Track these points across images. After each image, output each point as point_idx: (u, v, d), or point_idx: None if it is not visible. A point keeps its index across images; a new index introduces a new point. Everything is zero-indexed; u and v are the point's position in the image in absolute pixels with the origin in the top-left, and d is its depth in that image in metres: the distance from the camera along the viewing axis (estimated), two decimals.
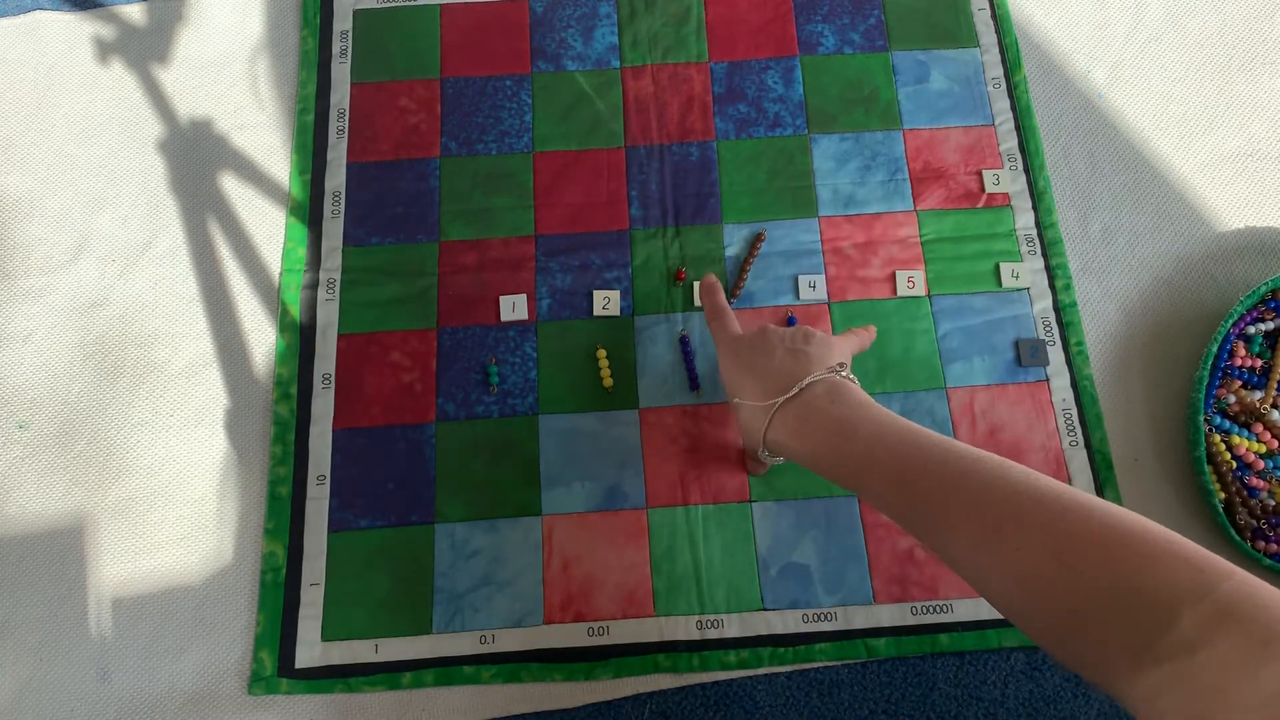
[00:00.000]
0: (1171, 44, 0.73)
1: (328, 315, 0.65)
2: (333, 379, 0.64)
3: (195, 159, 0.70)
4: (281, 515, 0.61)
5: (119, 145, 0.71)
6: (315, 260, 0.67)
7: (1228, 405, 0.62)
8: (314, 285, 0.66)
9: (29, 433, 0.63)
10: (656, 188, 0.69)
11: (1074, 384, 0.64)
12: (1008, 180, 0.69)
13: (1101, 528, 0.36)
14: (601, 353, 0.64)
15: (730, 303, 0.65)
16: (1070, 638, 0.37)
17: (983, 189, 0.68)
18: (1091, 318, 0.66)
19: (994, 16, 0.74)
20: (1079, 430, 0.63)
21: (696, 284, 0.66)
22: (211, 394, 0.64)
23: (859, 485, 0.46)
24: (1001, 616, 0.58)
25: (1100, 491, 0.61)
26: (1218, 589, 0.32)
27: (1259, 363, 0.62)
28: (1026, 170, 0.69)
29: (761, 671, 0.58)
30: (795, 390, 0.49)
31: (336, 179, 0.69)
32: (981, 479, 0.41)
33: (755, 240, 0.67)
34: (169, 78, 0.72)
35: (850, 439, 0.46)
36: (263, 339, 0.66)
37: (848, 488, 0.47)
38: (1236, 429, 0.61)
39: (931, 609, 0.59)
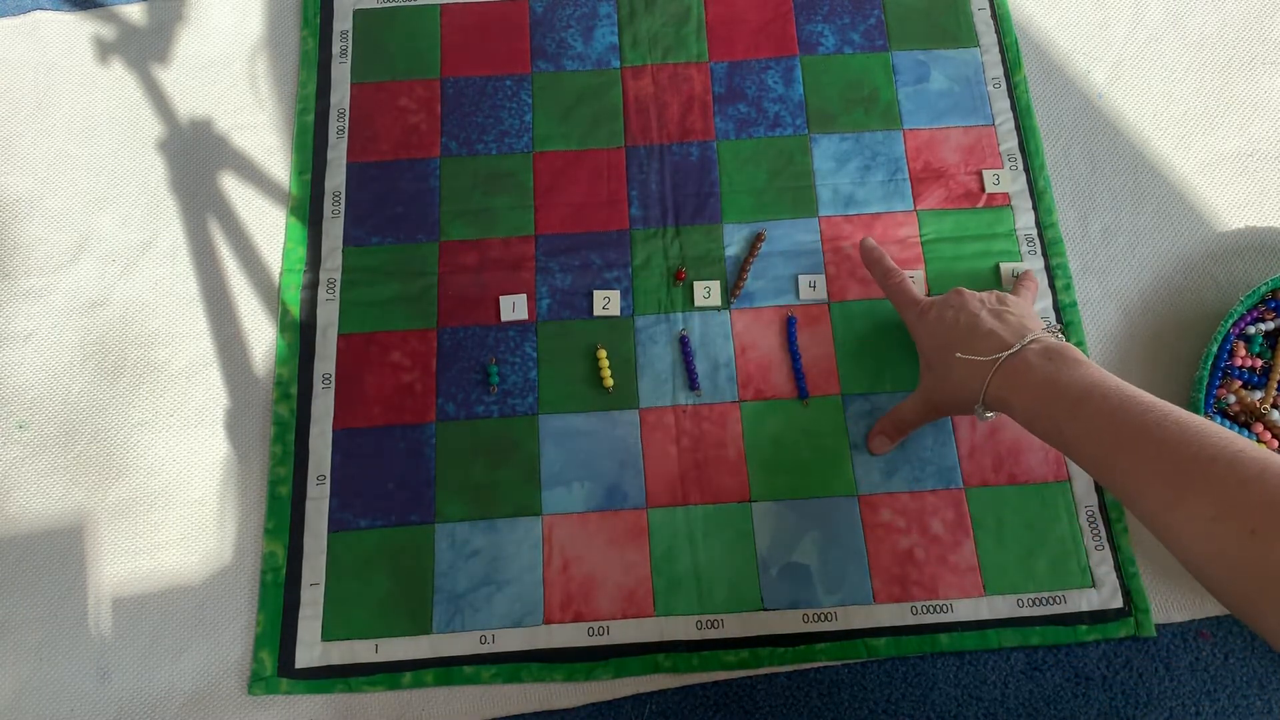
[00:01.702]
0: (1171, 44, 0.73)
1: (328, 315, 0.66)
2: (333, 379, 0.64)
3: (195, 159, 0.70)
4: (281, 515, 0.61)
5: (119, 145, 0.71)
6: (315, 260, 0.67)
7: (1228, 405, 0.62)
8: (314, 285, 0.66)
9: (29, 433, 0.63)
10: (656, 188, 0.69)
11: None
12: (1008, 180, 0.69)
13: None
14: (601, 353, 0.64)
15: (730, 302, 0.65)
16: (1255, 600, 0.38)
17: (983, 189, 0.68)
18: (1091, 318, 0.66)
19: (994, 16, 0.74)
20: None
21: (697, 284, 0.66)
22: (211, 394, 0.64)
23: (1062, 443, 0.49)
24: (1001, 617, 0.58)
25: (1100, 491, 0.61)
26: None
27: (1259, 363, 0.62)
28: (1026, 170, 0.69)
29: (761, 671, 0.58)
30: (1019, 346, 0.51)
31: (336, 179, 0.69)
32: (1186, 436, 0.42)
33: (755, 240, 0.67)
34: (169, 78, 0.72)
35: (1058, 398, 0.48)
36: (263, 339, 0.66)
37: (1058, 447, 0.50)
38: (1236, 429, 0.61)
39: (931, 609, 0.59)
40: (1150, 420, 0.44)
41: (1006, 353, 0.51)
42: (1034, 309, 0.58)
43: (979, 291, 0.58)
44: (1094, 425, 0.46)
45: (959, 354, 0.54)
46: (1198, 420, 0.43)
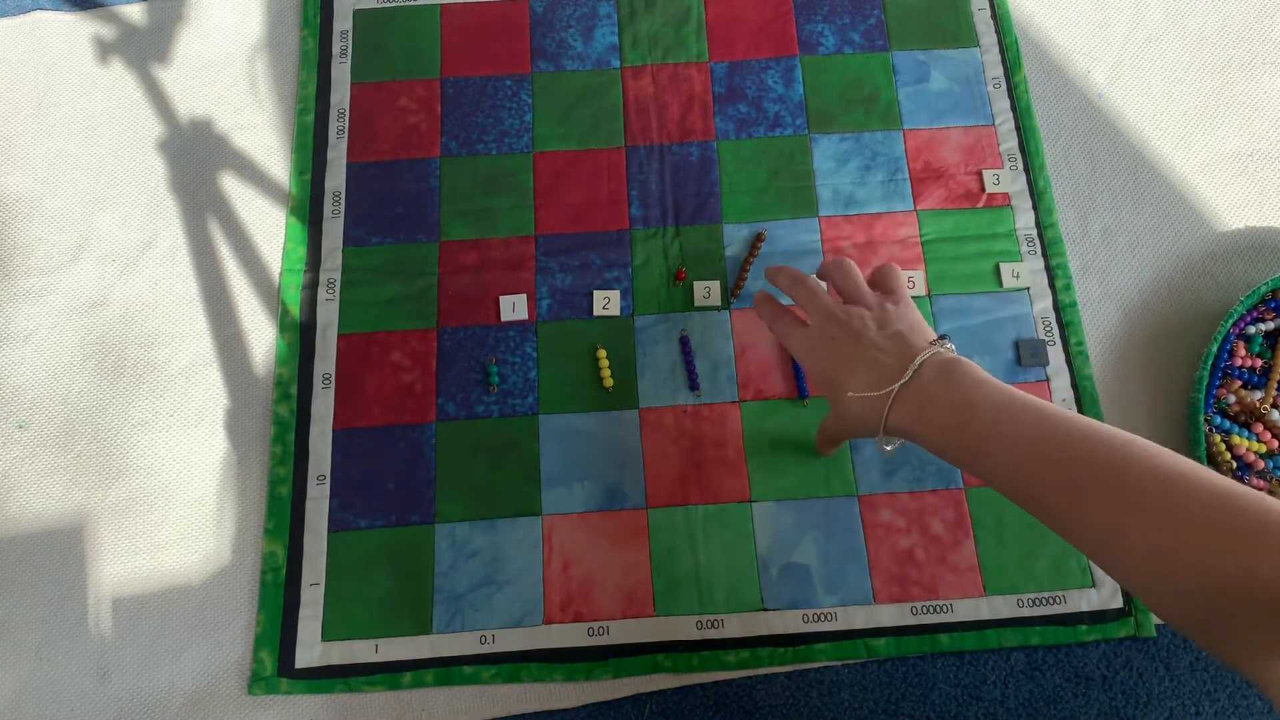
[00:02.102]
0: (1171, 44, 0.73)
1: (328, 315, 0.66)
2: (333, 379, 0.64)
3: (195, 159, 0.70)
4: (281, 515, 0.61)
5: (119, 145, 0.71)
6: (315, 260, 0.67)
7: (1228, 405, 0.62)
8: (314, 285, 0.66)
9: (29, 433, 0.63)
10: (656, 188, 0.69)
11: (1074, 384, 0.64)
12: (1008, 180, 0.69)
13: (1232, 513, 0.36)
14: (601, 353, 0.64)
15: (730, 302, 0.65)
16: (1200, 623, 0.37)
17: (983, 189, 0.68)
18: (1091, 318, 0.66)
19: (994, 16, 0.74)
20: None
21: (697, 284, 0.66)
22: (211, 394, 0.64)
23: (979, 469, 0.46)
24: (1001, 617, 0.58)
25: None
26: None
27: (1259, 363, 0.62)
28: (1026, 170, 0.69)
29: (761, 671, 0.58)
30: (909, 374, 0.48)
31: (336, 179, 0.69)
32: (1109, 461, 0.40)
33: (755, 240, 0.67)
34: (169, 78, 0.72)
35: (970, 421, 0.45)
36: (263, 339, 0.66)
37: (968, 470, 0.47)
38: (1236, 429, 0.61)
39: (931, 609, 0.59)
40: (1074, 441, 0.42)
41: (899, 384, 0.48)
42: (916, 311, 0.53)
43: (854, 305, 0.54)
44: (1011, 450, 0.44)
45: (850, 393, 0.50)
46: (1119, 433, 0.41)
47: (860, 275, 0.57)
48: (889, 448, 0.51)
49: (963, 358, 0.49)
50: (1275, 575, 0.34)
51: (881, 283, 0.56)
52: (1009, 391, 0.46)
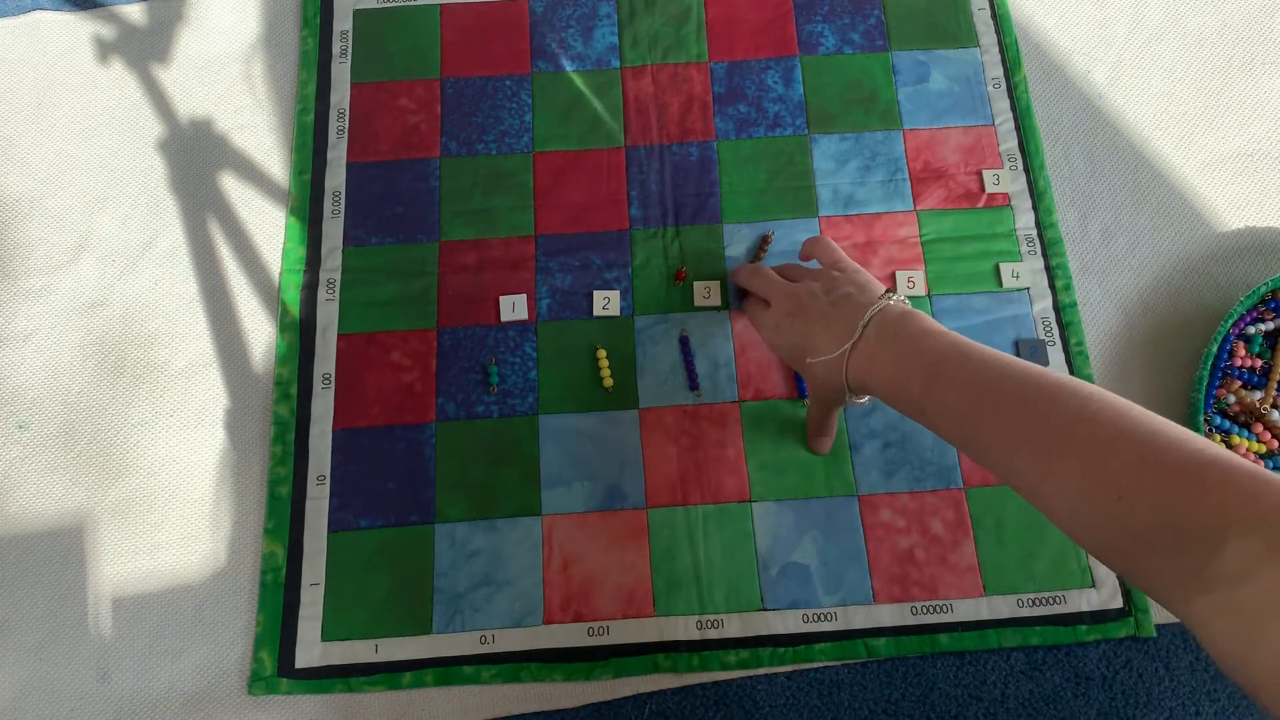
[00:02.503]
0: (1171, 44, 0.73)
1: (328, 315, 0.66)
2: (333, 379, 0.64)
3: (195, 159, 0.70)
4: (281, 515, 0.61)
5: (119, 145, 0.71)
6: (315, 260, 0.67)
7: (1228, 405, 0.62)
8: (314, 285, 0.66)
9: (29, 433, 0.63)
10: (656, 188, 0.69)
11: None
12: (1008, 180, 0.69)
13: (1156, 451, 0.37)
14: (601, 353, 0.64)
15: (733, 303, 0.65)
16: (1128, 562, 0.38)
17: (983, 189, 0.68)
18: (1091, 318, 0.66)
19: (994, 16, 0.74)
20: None
21: (697, 284, 0.66)
22: (211, 394, 0.64)
23: (925, 420, 0.47)
24: (1001, 617, 0.58)
25: None
26: (1266, 521, 0.32)
27: (1259, 363, 0.62)
28: (1026, 170, 0.69)
29: (761, 671, 0.58)
30: (859, 332, 0.50)
31: (336, 179, 0.69)
32: (1039, 407, 0.41)
33: (763, 241, 0.67)
34: (169, 78, 0.72)
35: (912, 372, 0.47)
36: (263, 339, 0.66)
37: (919, 421, 0.48)
38: (1236, 429, 0.61)
39: (931, 609, 0.59)
40: (1009, 386, 0.43)
41: (849, 343, 0.50)
42: (864, 273, 0.56)
43: (806, 280, 0.57)
44: (950, 397, 0.45)
45: (808, 360, 0.53)
46: (1053, 377, 0.42)
47: (836, 247, 0.59)
48: (861, 401, 0.54)
49: (915, 310, 0.51)
50: (1195, 512, 0.34)
51: (820, 256, 0.59)
52: (953, 341, 0.47)
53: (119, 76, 0.72)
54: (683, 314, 0.65)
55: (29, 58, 0.73)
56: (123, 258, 0.67)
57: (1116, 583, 0.59)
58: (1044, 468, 0.40)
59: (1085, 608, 0.59)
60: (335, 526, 0.61)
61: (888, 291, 0.52)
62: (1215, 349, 0.61)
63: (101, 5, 0.74)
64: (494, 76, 0.72)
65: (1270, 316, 0.63)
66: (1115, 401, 0.40)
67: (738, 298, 0.66)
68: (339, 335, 0.65)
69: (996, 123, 0.71)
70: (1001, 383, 0.43)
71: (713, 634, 0.58)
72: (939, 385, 0.46)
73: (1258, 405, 0.61)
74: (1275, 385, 0.62)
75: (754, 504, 0.61)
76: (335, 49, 0.73)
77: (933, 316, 0.65)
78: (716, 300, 0.65)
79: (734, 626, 0.58)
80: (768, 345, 0.60)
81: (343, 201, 0.68)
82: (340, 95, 0.71)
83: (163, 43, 0.73)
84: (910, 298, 0.65)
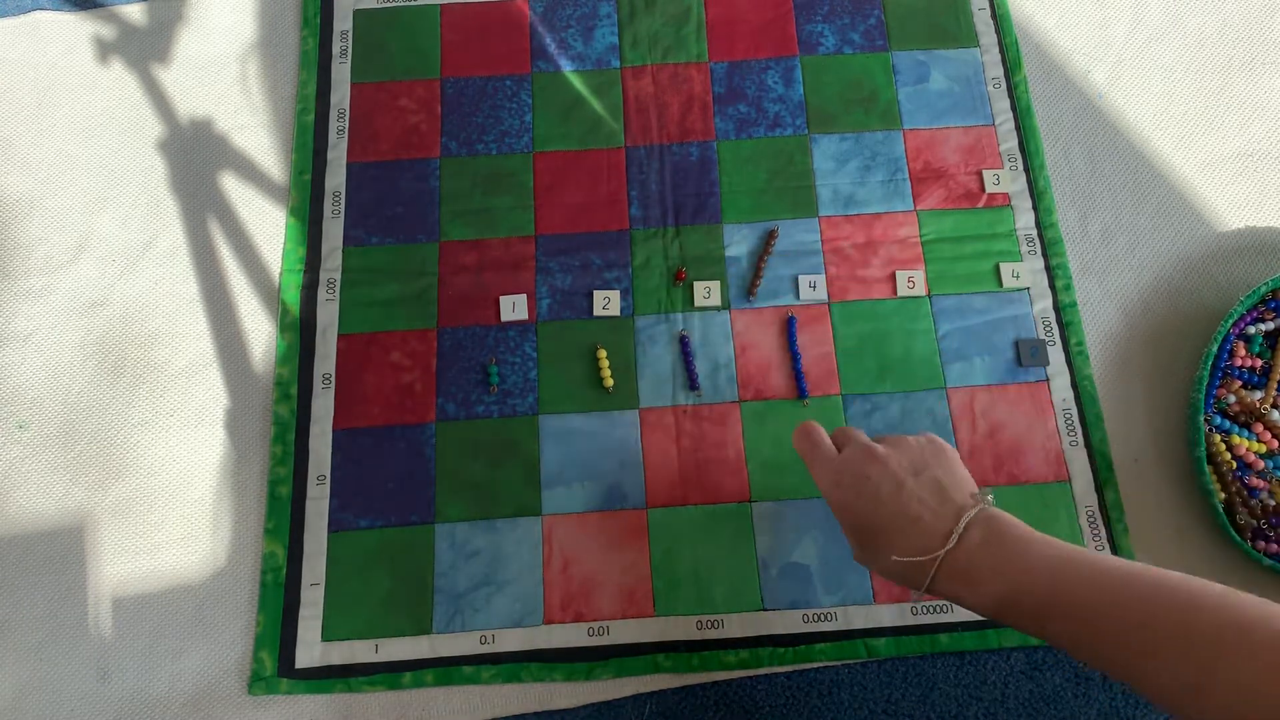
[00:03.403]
0: (1171, 44, 0.73)
1: (328, 315, 0.66)
2: (333, 379, 0.64)
3: (195, 159, 0.70)
4: (281, 515, 0.61)
5: (119, 145, 0.71)
6: (315, 260, 0.67)
7: (1228, 405, 0.62)
8: (314, 285, 0.66)
9: (29, 433, 0.63)
10: (656, 188, 0.69)
11: (1074, 384, 0.64)
12: (1008, 180, 0.69)
13: None
14: (601, 353, 0.64)
15: (750, 300, 0.65)
16: None
17: (983, 189, 0.68)
18: (1091, 318, 0.66)
19: (994, 16, 0.74)
20: (1079, 430, 0.63)
21: (697, 284, 0.66)
22: (211, 394, 0.64)
23: (1038, 634, 0.43)
24: None
25: (1100, 491, 0.61)
26: None
27: (1259, 363, 0.62)
28: (1026, 170, 0.69)
29: (761, 671, 0.58)
30: (956, 537, 0.44)
31: (336, 179, 0.69)
32: (1176, 618, 0.38)
33: (769, 237, 0.67)
34: (169, 78, 0.72)
35: (1024, 589, 0.43)
36: (263, 339, 0.66)
37: (1028, 633, 0.44)
38: (1236, 429, 0.61)
39: (931, 609, 0.59)
40: (1135, 598, 0.40)
41: (944, 550, 0.44)
42: (954, 453, 0.50)
43: (887, 446, 0.50)
44: (1072, 618, 0.41)
45: (894, 557, 0.46)
46: (1182, 585, 0.39)
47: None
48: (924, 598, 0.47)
49: (1002, 512, 0.46)
50: None
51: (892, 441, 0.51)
52: (1059, 549, 0.43)
53: (119, 76, 0.72)
54: (683, 314, 0.65)
55: (29, 58, 0.73)
56: (123, 258, 0.67)
57: None
58: (1193, 684, 0.37)
59: None
60: (335, 526, 0.61)
61: (983, 492, 0.47)
62: (1215, 349, 0.61)
63: (101, 5, 0.74)
64: (494, 76, 0.72)
65: (1270, 316, 0.63)
66: (1248, 601, 0.38)
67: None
68: (339, 335, 0.65)
69: (997, 123, 0.71)
70: (1126, 596, 0.40)
71: (713, 634, 0.58)
72: (1057, 604, 0.42)
73: (1258, 405, 0.61)
74: (1275, 385, 0.62)
75: (754, 504, 0.61)
76: (335, 49, 0.73)
77: (933, 316, 0.65)
78: (716, 300, 0.65)
79: (734, 626, 0.58)
80: (823, 493, 0.51)
81: (343, 201, 0.68)
82: (340, 95, 0.71)
83: (163, 43, 0.73)
84: (910, 298, 0.65)
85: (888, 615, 0.59)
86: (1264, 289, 0.62)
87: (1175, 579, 0.40)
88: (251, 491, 0.62)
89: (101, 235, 0.68)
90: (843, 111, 0.71)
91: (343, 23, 0.73)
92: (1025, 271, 0.66)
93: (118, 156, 0.70)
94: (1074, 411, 0.63)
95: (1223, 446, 0.60)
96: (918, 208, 0.68)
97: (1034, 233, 0.68)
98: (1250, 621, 0.37)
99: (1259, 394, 0.62)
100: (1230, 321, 0.61)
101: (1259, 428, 0.61)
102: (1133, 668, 0.40)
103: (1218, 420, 0.61)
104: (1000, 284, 0.66)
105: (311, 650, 0.58)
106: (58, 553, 0.61)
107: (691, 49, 0.72)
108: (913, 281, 0.66)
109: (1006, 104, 0.71)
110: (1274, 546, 0.58)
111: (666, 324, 0.65)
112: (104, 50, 0.73)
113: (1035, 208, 0.68)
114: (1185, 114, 0.71)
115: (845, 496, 0.49)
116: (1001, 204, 0.68)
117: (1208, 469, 0.59)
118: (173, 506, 0.62)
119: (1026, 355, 0.64)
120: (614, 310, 0.65)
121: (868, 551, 0.49)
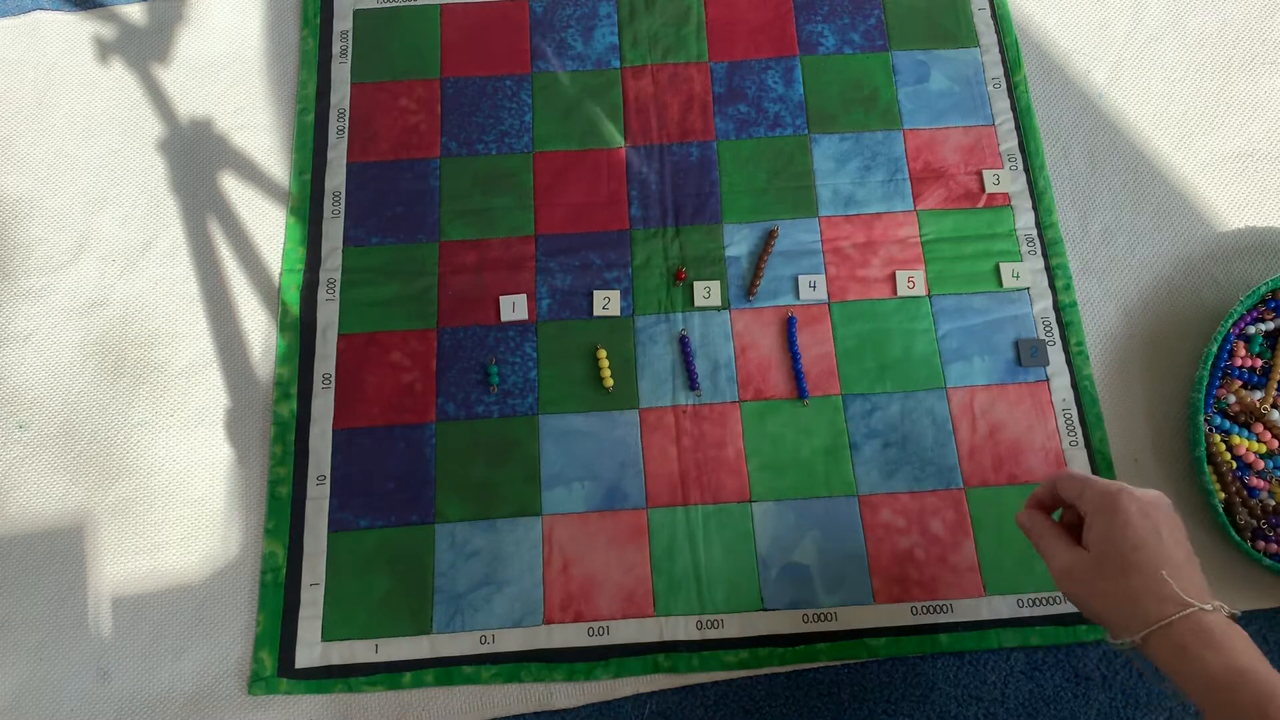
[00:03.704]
0: (1171, 44, 0.73)
1: (328, 315, 0.66)
2: (333, 379, 0.64)
3: (195, 159, 0.70)
4: (281, 515, 0.61)
5: (119, 145, 0.71)
6: (315, 260, 0.67)
7: (1228, 405, 0.62)
8: (314, 285, 0.66)
9: (29, 433, 0.63)
10: (656, 188, 0.69)
11: (1074, 384, 0.64)
12: (1008, 180, 0.69)
13: None
14: (601, 353, 0.64)
15: (749, 300, 0.65)
16: None
17: (983, 189, 0.68)
18: (1091, 318, 0.66)
19: (994, 16, 0.74)
20: (1079, 430, 0.63)
21: (697, 284, 0.66)
22: (211, 394, 0.64)
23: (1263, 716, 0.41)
24: (1001, 617, 0.58)
25: None
26: None
27: (1259, 363, 0.62)
28: (1026, 170, 0.69)
29: (761, 671, 0.58)
30: (1213, 606, 0.43)
31: (336, 179, 0.69)
32: None
33: (769, 236, 0.67)
34: (169, 78, 0.72)
35: (1235, 696, 0.41)
36: (263, 339, 0.66)
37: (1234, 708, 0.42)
38: (1236, 429, 0.61)
39: (931, 609, 0.59)
40: None
41: (1210, 606, 0.43)
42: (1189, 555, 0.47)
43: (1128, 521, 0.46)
44: None
45: (1164, 572, 0.43)
46: None
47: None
48: (1122, 644, 0.45)
49: (1221, 612, 0.44)
50: None
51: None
52: (1270, 670, 0.42)
53: (119, 76, 0.72)
54: (683, 314, 0.65)
55: (29, 58, 0.73)
56: (123, 258, 0.67)
57: None
58: None
59: None
60: (335, 526, 0.61)
61: (1218, 607, 0.44)
62: (1215, 349, 0.61)
63: (101, 5, 0.74)
64: (494, 76, 0.72)
65: (1270, 316, 0.63)
66: None
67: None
68: (339, 335, 0.65)
69: (996, 123, 0.71)
70: None
71: (713, 634, 0.58)
72: None
73: (1258, 405, 0.61)
74: (1275, 385, 0.62)
75: (754, 504, 0.61)
76: (335, 49, 0.73)
77: (933, 316, 0.65)
78: (716, 300, 0.65)
79: (734, 626, 0.58)
80: (1074, 496, 0.48)
81: (343, 201, 0.68)
82: (340, 95, 0.71)
83: (163, 43, 0.73)
84: (910, 298, 0.66)
85: (888, 615, 0.59)
86: (1264, 289, 0.62)
87: None
88: (251, 491, 0.62)
89: (101, 235, 0.68)
90: (843, 111, 0.71)
91: (343, 23, 0.73)
92: (1025, 271, 0.66)
93: (118, 156, 0.70)
94: (1074, 411, 0.63)
95: (1223, 446, 0.60)
96: (918, 208, 0.68)
97: (1034, 233, 0.68)
98: None
99: (1259, 394, 0.62)
100: (1230, 321, 0.61)
101: (1259, 428, 0.61)
102: None
103: (1218, 420, 0.61)
104: (1000, 284, 0.66)
105: (311, 650, 0.58)
106: (58, 552, 0.61)
107: (691, 49, 0.72)
108: (913, 281, 0.66)
109: (1006, 104, 0.71)
110: (1274, 546, 0.58)
111: (666, 324, 0.65)
112: (104, 50, 0.73)
113: (1035, 208, 0.68)
114: (1185, 114, 0.71)
115: (1127, 515, 0.45)
116: (1001, 204, 0.68)
117: (1208, 469, 0.59)
118: (173, 506, 0.62)
119: (1026, 355, 0.64)
120: (614, 310, 0.65)
121: (1109, 564, 0.45)
